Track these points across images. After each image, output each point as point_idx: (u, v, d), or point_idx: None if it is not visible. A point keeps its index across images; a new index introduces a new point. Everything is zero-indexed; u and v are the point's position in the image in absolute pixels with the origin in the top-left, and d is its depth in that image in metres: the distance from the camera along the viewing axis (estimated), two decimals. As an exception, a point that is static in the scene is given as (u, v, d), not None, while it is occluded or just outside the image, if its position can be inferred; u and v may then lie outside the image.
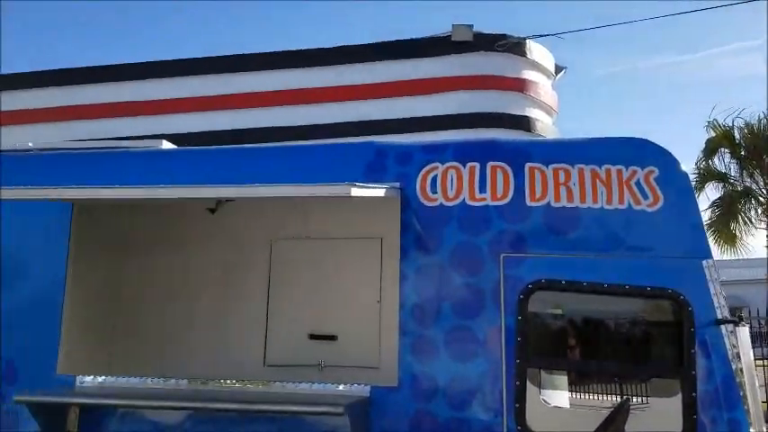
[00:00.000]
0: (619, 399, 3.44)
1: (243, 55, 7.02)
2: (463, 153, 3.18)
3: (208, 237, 4.34)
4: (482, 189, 3.10)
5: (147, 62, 7.06)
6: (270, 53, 7.04)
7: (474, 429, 2.93)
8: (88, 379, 3.18)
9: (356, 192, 2.71)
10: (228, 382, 3.21)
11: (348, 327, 4.32)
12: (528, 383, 2.92)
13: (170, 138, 3.95)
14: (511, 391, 2.91)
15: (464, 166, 3.13)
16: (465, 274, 3.07)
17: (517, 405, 2.89)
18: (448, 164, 3.15)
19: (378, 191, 2.99)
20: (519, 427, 2.88)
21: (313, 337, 4.37)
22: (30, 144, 3.69)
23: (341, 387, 3.08)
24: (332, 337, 4.37)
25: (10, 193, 2.97)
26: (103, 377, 3.20)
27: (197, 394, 3.10)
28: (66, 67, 7.32)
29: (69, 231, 3.35)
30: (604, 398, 3.62)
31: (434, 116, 6.46)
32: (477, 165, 3.13)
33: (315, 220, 4.40)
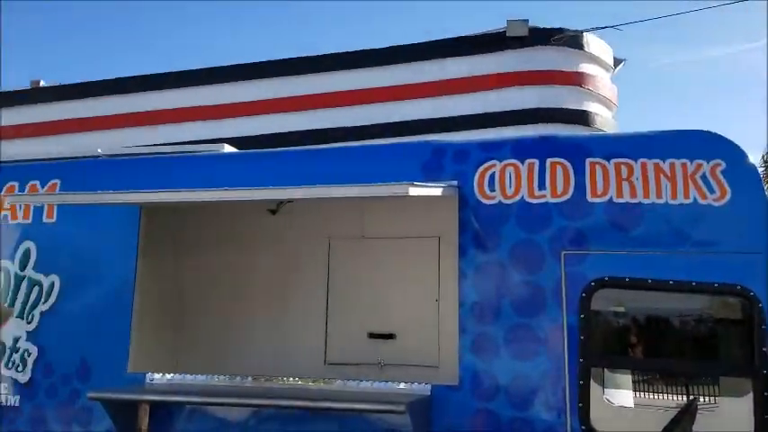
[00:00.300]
0: (686, 399, 3.36)
1: (299, 58, 7.12)
2: (521, 150, 3.15)
3: (269, 237, 4.43)
4: (541, 186, 3.07)
5: (200, 69, 7.24)
6: (326, 55, 7.12)
7: (537, 429, 2.90)
8: (157, 377, 3.29)
9: (414, 191, 2.72)
10: (291, 379, 3.27)
11: (407, 325, 4.33)
12: (591, 383, 2.88)
13: (231, 141, 4.05)
14: (574, 390, 2.87)
15: (522, 162, 3.10)
16: (525, 272, 3.05)
17: (581, 405, 2.85)
18: (506, 161, 3.12)
19: (435, 190, 3.00)
20: (583, 427, 2.84)
21: (372, 335, 4.40)
22: (99, 150, 3.83)
23: (402, 386, 3.10)
24: (391, 336, 4.39)
25: (81, 198, 3.10)
26: (171, 375, 3.30)
27: (261, 392, 3.17)
28: (129, 75, 7.61)
29: (138, 233, 3.47)
30: (671, 398, 3.53)
31: (490, 113, 6.40)
32: (536, 161, 3.10)
33: (373, 220, 4.43)
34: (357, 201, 4.24)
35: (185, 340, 4.28)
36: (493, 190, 3.11)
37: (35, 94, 8.14)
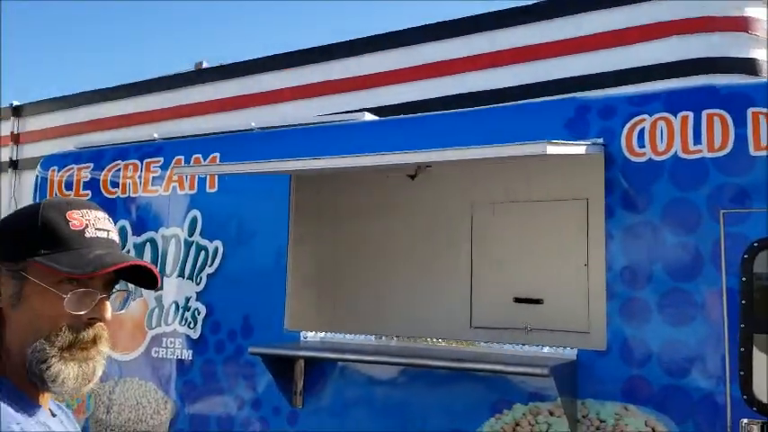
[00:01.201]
0: None
1: (437, 23, 7.07)
2: (674, 102, 2.94)
3: (410, 203, 4.50)
4: (697, 140, 2.85)
5: (341, 42, 7.40)
6: (461, 19, 7.01)
7: (693, 397, 2.75)
8: (310, 335, 3.48)
9: (553, 149, 2.63)
10: (437, 340, 3.33)
11: (554, 290, 4.25)
12: (754, 350, 2.67)
13: (371, 111, 4.14)
14: (734, 357, 2.68)
15: (675, 116, 2.90)
16: (679, 233, 2.86)
17: (742, 373, 2.66)
18: (657, 115, 2.93)
19: (578, 148, 2.88)
20: (745, 397, 2.65)
21: (518, 300, 4.37)
22: (252, 124, 4.08)
23: (547, 350, 3.06)
24: (538, 301, 4.33)
25: (237, 168, 3.32)
26: (324, 333, 3.48)
27: (408, 351, 3.26)
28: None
29: (289, 201, 3.67)
30: None
31: (644, 67, 5.98)
32: (691, 114, 2.88)
33: (517, 183, 4.36)
34: (499, 164, 4.19)
35: (336, 302, 4.49)
36: (642, 146, 2.94)
37: (198, 76, 8.77)
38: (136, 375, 3.96)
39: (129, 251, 4.08)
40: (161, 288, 3.93)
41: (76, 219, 1.20)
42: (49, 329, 1.15)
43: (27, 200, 5.32)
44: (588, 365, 2.93)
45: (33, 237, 1.17)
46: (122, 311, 1.27)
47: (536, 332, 4.08)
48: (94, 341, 1.19)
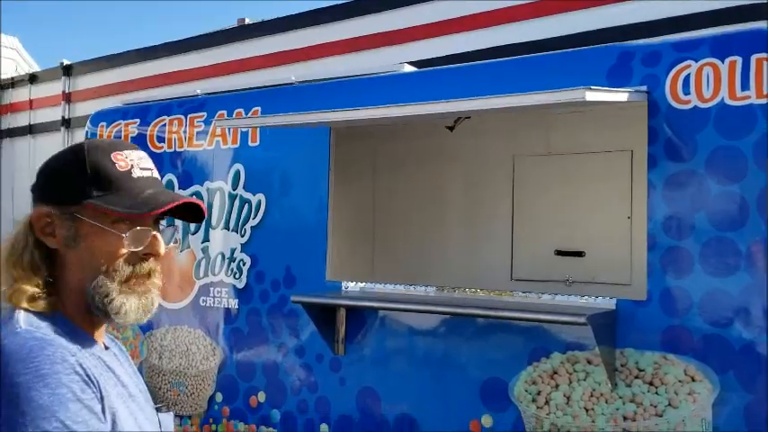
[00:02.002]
0: None
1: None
2: (722, 47, 2.84)
3: (452, 156, 4.50)
4: (745, 86, 2.76)
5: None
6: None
7: (734, 347, 2.73)
8: (351, 285, 3.56)
9: (592, 96, 2.59)
10: (476, 290, 3.36)
11: (596, 243, 4.22)
12: (798, 299, 2.63)
13: (411, 65, 4.11)
14: (778, 307, 2.65)
15: (723, 61, 2.81)
16: (724, 182, 2.80)
17: (785, 323, 2.63)
18: (703, 60, 2.84)
19: (619, 95, 2.83)
20: (787, 347, 2.62)
21: (560, 253, 4.36)
22: (292, 78, 4.10)
23: (585, 299, 3.06)
24: (579, 254, 4.31)
25: (277, 120, 3.36)
26: (364, 284, 3.55)
27: (447, 300, 3.31)
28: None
29: (329, 154, 3.70)
30: None
31: (690, 15, 5.75)
32: (739, 59, 2.78)
33: (558, 136, 4.31)
34: (540, 115, 4.14)
35: (376, 254, 4.55)
36: (687, 93, 2.87)
37: (241, 32, 8.81)
38: (185, 323, 4.11)
39: (176, 204, 4.20)
40: (207, 240, 4.06)
41: (122, 160, 1.25)
42: (108, 266, 1.22)
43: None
44: (627, 315, 2.93)
45: (84, 180, 1.23)
46: (172, 246, 1.36)
47: (577, 285, 4.08)
48: (149, 275, 1.27)
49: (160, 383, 4.15)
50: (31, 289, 1.21)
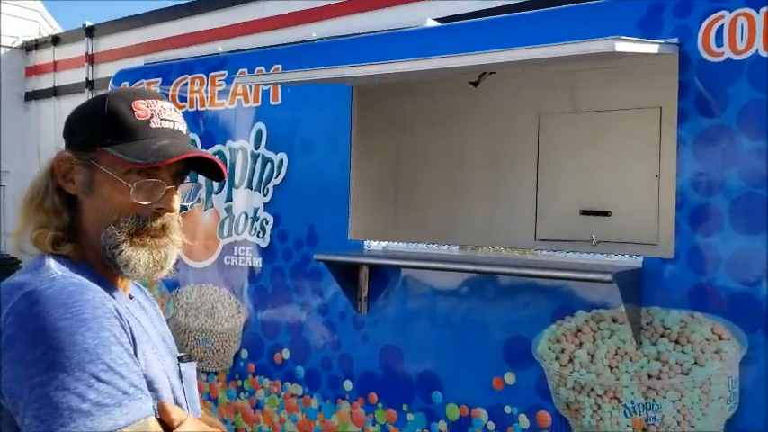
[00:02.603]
0: None
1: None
2: (757, -4, 2.73)
3: (474, 112, 4.43)
4: (780, 37, 2.66)
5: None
6: None
7: (762, 306, 2.68)
8: (374, 244, 3.55)
9: (622, 47, 2.51)
10: (499, 249, 3.33)
11: (623, 202, 4.16)
12: (831, 256, 2.56)
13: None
14: (809, 265, 2.59)
15: (757, 11, 2.70)
16: (756, 137, 2.72)
17: (817, 281, 2.57)
18: (738, 11, 2.74)
19: (650, 46, 2.74)
20: (818, 305, 2.57)
21: (585, 212, 4.30)
22: (313, 35, 4.05)
23: (611, 257, 3.02)
24: (605, 213, 4.25)
25: (297, 76, 3.32)
26: (386, 243, 3.54)
27: (470, 259, 3.29)
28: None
29: (351, 112, 3.66)
30: None
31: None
32: (776, 8, 2.68)
33: (585, 93, 4.22)
34: (567, 71, 4.05)
35: (398, 213, 4.54)
36: (720, 45, 2.77)
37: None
38: (210, 282, 4.16)
39: (199, 164, 4.21)
40: (230, 199, 4.07)
41: (142, 108, 1.22)
42: (118, 216, 1.20)
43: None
44: (654, 272, 2.89)
45: (101, 126, 1.21)
46: (194, 203, 1.33)
47: (602, 245, 4.03)
48: (164, 230, 1.24)
49: (186, 340, 4.22)
50: (56, 234, 1.21)
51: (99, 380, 1.02)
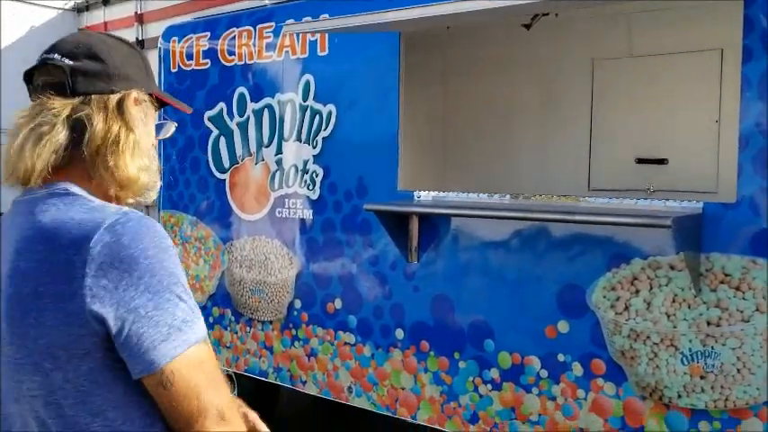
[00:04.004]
0: None
1: None
2: None
3: (524, 59, 4.32)
4: None
5: None
6: None
7: (832, 250, 2.58)
8: (423, 194, 3.53)
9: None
10: (552, 196, 3.27)
11: (681, 149, 4.03)
12: None
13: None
14: None
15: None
16: (829, 73, 2.58)
17: None
18: (811, -63, 2.57)
19: (714, -21, 2.60)
20: None
21: (641, 161, 4.18)
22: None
23: (669, 203, 2.94)
24: (662, 161, 4.13)
25: (344, 22, 3.27)
26: (436, 192, 3.52)
27: (522, 207, 3.24)
28: None
29: (399, 61, 3.61)
30: None
31: None
32: None
33: (641, 36, 4.06)
34: (623, 13, 3.90)
35: (448, 162, 4.50)
36: (790, -24, 2.61)
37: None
38: (263, 234, 4.22)
39: (248, 118, 4.23)
40: (279, 152, 4.09)
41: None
42: (149, 150, 1.36)
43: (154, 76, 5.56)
44: (715, 218, 2.80)
45: (145, 70, 1.38)
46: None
47: (660, 194, 3.93)
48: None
49: (241, 291, 4.31)
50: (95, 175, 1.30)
51: (181, 299, 1.17)
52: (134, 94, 1.31)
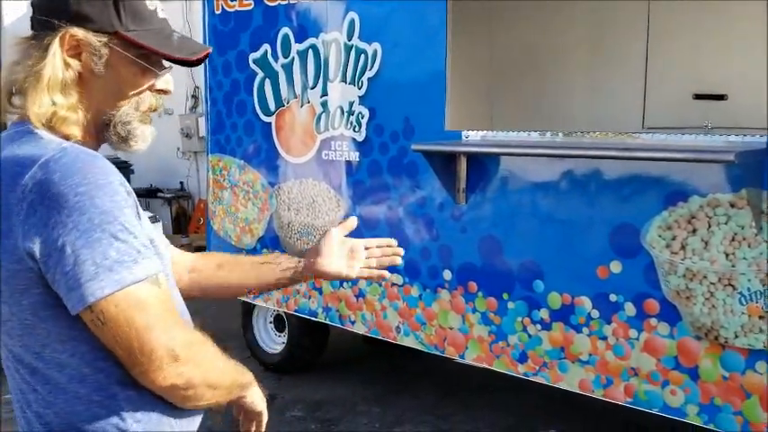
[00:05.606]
0: None
1: None
2: None
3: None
4: None
5: None
6: None
7: None
8: (472, 134, 3.46)
9: None
10: (606, 134, 3.18)
11: (740, 85, 3.87)
12: None
13: None
14: None
15: None
16: None
17: None
18: None
19: None
20: None
21: (698, 96, 4.03)
22: None
23: (731, 138, 2.82)
24: (720, 97, 3.97)
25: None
26: (485, 132, 3.45)
27: (574, 144, 3.15)
28: None
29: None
30: None
31: None
32: None
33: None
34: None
35: (497, 101, 4.40)
36: None
37: None
38: (309, 177, 4.22)
39: (293, 59, 4.19)
40: (325, 94, 4.05)
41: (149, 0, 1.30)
42: (133, 95, 1.29)
43: (198, 24, 5.55)
44: (779, 153, 2.68)
45: (122, 11, 1.25)
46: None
47: (718, 131, 3.78)
48: (155, 109, 1.36)
49: (290, 233, 4.35)
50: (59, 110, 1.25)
51: (117, 239, 1.12)
52: (73, 32, 1.22)
